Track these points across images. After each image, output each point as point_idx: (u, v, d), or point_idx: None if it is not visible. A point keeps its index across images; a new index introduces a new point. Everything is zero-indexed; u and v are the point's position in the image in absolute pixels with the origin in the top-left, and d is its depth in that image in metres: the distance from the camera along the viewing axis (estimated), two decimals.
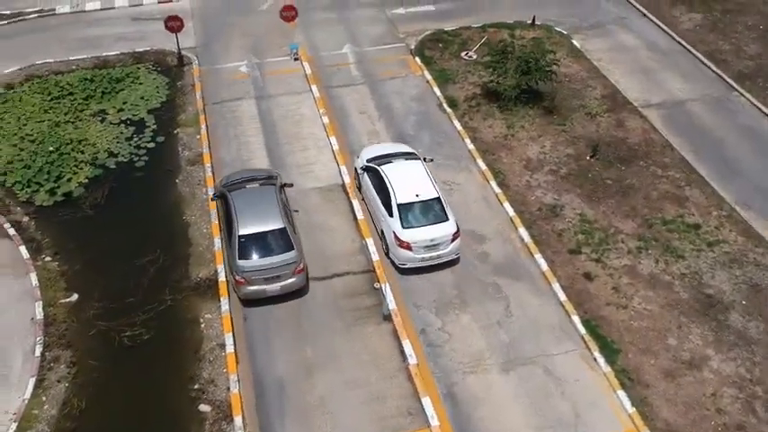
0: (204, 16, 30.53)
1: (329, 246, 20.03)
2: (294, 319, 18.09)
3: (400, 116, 24.81)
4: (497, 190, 21.70)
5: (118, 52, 28.00)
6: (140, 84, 26.22)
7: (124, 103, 25.30)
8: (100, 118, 24.66)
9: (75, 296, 18.62)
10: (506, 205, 21.19)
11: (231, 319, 17.93)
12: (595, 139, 23.50)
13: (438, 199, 19.36)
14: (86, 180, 22.11)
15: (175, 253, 19.76)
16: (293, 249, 18.13)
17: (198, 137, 23.85)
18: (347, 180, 21.97)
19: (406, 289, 18.78)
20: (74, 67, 27.13)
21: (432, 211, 19.15)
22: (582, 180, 22.06)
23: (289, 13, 27.05)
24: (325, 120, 24.44)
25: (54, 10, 30.84)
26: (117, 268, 19.24)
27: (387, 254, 19.61)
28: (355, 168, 21.69)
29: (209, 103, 25.45)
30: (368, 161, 20.92)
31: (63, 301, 18.46)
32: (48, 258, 19.63)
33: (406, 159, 20.57)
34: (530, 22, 29.69)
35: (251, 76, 26.88)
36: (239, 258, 17.88)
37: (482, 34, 28.85)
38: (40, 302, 18.26)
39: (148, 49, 28.19)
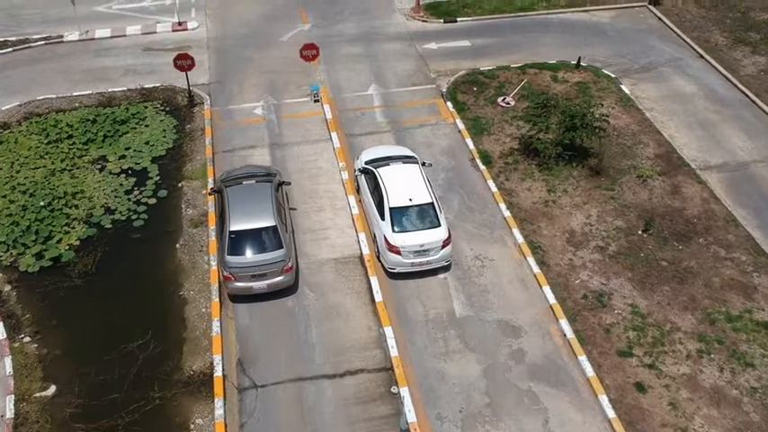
0: (220, 48, 28.34)
1: (343, 334, 17.61)
2: (299, 427, 15.71)
3: (428, 172, 22.33)
4: (536, 270, 19.08)
5: (125, 88, 25.89)
6: (146, 126, 24.05)
7: (127, 148, 23.14)
8: (99, 166, 22.52)
9: (52, 388, 16.42)
10: (546, 289, 18.58)
11: (226, 427, 15.61)
12: (648, 210, 20.79)
13: (432, 204, 19.07)
14: (78, 242, 19.94)
15: (169, 337, 17.48)
16: (282, 248, 17.94)
17: (204, 192, 21.59)
18: (366, 251, 19.56)
19: (429, 393, 16.28)
20: (77, 105, 25.06)
21: (424, 216, 18.89)
22: (633, 260, 19.36)
23: (309, 53, 24.68)
24: (345, 175, 22.04)
25: (62, 37, 28.84)
26: (102, 354, 17.04)
27: (378, 257, 19.21)
28: (354, 170, 21.32)
29: (219, 151, 23.18)
30: (366, 163, 20.65)
31: (38, 394, 16.26)
32: (26, 339, 17.46)
33: (404, 163, 20.36)
34: (574, 63, 27.01)
35: (266, 119, 24.59)
36: (228, 254, 17.79)
37: (521, 77, 26.22)
38: (12, 396, 16.12)
39: (158, 85, 26.03)
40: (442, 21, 30.04)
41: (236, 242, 17.82)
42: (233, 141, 23.60)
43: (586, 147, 22.52)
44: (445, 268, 19.17)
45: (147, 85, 25.99)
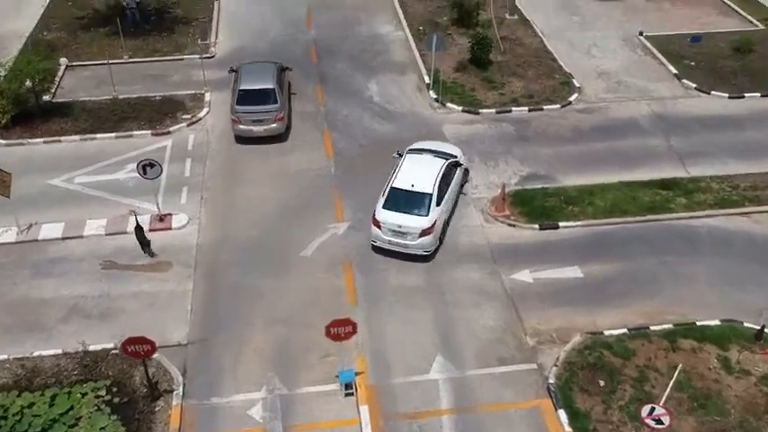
0: (214, 267, 19.27)
1: None
2: None
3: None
4: None
5: (59, 351, 16.88)
6: None
7: None
8: None
9: None
10: None
11: None
12: None
13: (429, 195, 19.44)
14: None
15: None
16: (277, 103, 23.82)
17: None
18: None
19: None
20: None
21: (416, 203, 19.34)
22: None
23: (341, 330, 15.36)
24: None
25: None
26: None
27: None
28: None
29: None
30: (408, 149, 21.68)
31: None
32: None
33: (434, 156, 20.92)
34: (753, 327, 17.42)
35: (267, 429, 15.43)
36: (237, 104, 23.77)
37: (669, 357, 16.71)
38: None
39: (110, 347, 17.00)
40: (537, 226, 20.74)
41: (243, 96, 23.71)
42: None
43: None
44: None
45: (92, 347, 17.03)
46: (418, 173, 19.89)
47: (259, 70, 24.89)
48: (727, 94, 26.93)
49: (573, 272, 19.26)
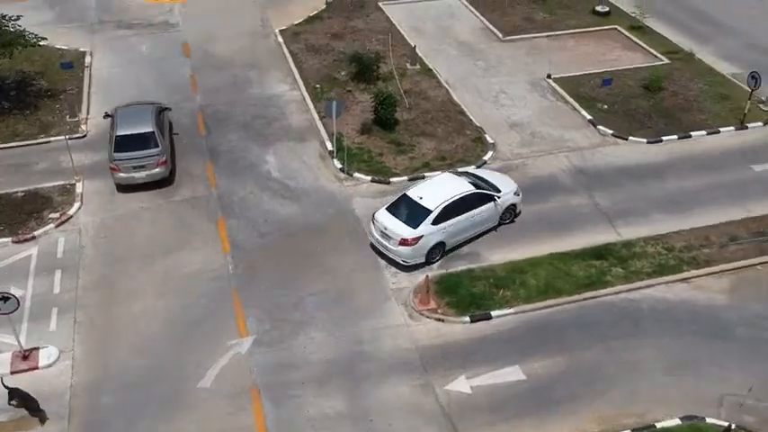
0: (92, 417, 15.84)
1: None
2: None
3: None
4: None
5: None
6: None
7: None
8: None
9: None
10: None
11: None
12: None
13: (427, 211, 19.64)
14: None
15: None
16: (158, 146, 22.49)
17: None
18: None
19: None
20: None
21: (412, 214, 19.74)
22: None
23: None
24: None
25: None
26: None
27: None
28: None
29: None
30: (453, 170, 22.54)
31: None
32: None
33: (468, 182, 20.93)
34: (722, 427, 15.64)
35: None
36: (114, 151, 22.31)
37: None
38: None
39: None
40: (468, 319, 18.46)
41: (121, 143, 22.42)
42: None
43: None
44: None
45: None
46: (436, 190, 20.26)
47: (136, 113, 23.64)
48: (645, 140, 25.70)
49: (514, 373, 17.04)
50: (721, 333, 18.19)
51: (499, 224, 21.27)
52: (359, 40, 32.04)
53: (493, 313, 18.59)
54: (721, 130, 26.22)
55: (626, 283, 19.52)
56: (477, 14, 34.71)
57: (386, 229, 19.65)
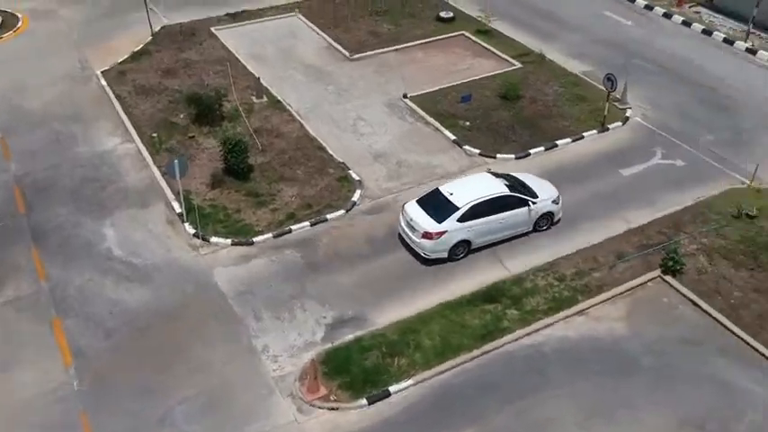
0: None
1: None
2: None
3: None
4: None
5: None
6: None
7: None
8: None
9: None
10: None
11: None
12: None
13: (455, 208, 19.71)
14: None
15: None
16: None
17: None
18: None
19: None
20: None
21: (441, 209, 19.84)
22: None
23: None
24: None
25: None
26: None
27: None
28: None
29: None
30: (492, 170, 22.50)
31: None
32: None
33: (505, 185, 20.73)
34: None
35: None
36: None
37: None
38: None
39: None
40: (365, 401, 16.27)
41: None
42: None
43: None
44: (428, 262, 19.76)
45: None
46: (469, 188, 20.33)
47: None
48: (513, 155, 24.68)
49: None
50: (627, 367, 17.25)
51: (534, 230, 21.07)
52: (195, 74, 28.96)
53: (391, 389, 16.57)
54: (585, 135, 25.72)
55: (524, 326, 18.17)
56: (320, 32, 32.59)
57: (412, 220, 19.88)
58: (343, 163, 24.11)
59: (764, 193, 22.81)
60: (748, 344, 17.69)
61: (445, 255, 19.85)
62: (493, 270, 19.97)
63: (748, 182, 23.23)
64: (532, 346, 17.74)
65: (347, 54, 30.79)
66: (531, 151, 24.89)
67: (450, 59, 30.75)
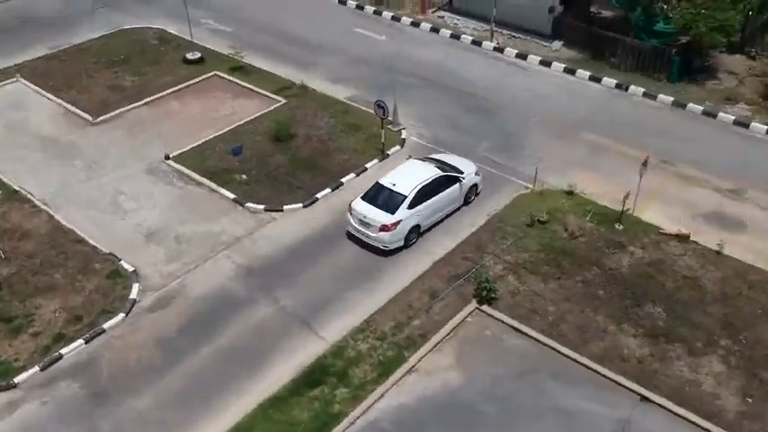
0: None
1: None
2: None
3: None
4: None
5: None
6: None
7: None
8: None
9: None
10: None
11: None
12: None
13: (402, 197, 20.48)
14: None
15: None
16: None
17: None
18: None
19: None
20: None
21: (388, 200, 20.52)
22: None
23: None
24: None
25: None
26: None
27: None
28: None
29: None
30: (412, 157, 23.25)
31: None
32: None
33: (434, 166, 21.90)
34: None
35: None
36: None
37: None
38: None
39: None
40: None
41: None
42: None
43: None
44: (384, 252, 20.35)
45: None
46: (406, 176, 21.06)
47: None
48: (300, 204, 22.87)
49: None
50: (470, 421, 16.25)
51: (465, 203, 22.43)
52: None
53: None
54: (367, 166, 24.59)
55: (357, 403, 16.47)
56: (51, 96, 28.32)
57: (365, 217, 20.36)
58: (111, 254, 20.70)
59: (547, 194, 23.21)
60: (576, 361, 17.55)
61: (402, 243, 20.60)
62: (308, 344, 18.02)
63: (531, 186, 23.55)
64: (372, 425, 16.11)
65: (89, 118, 26.97)
66: (318, 195, 23.26)
67: (210, 105, 28.17)
